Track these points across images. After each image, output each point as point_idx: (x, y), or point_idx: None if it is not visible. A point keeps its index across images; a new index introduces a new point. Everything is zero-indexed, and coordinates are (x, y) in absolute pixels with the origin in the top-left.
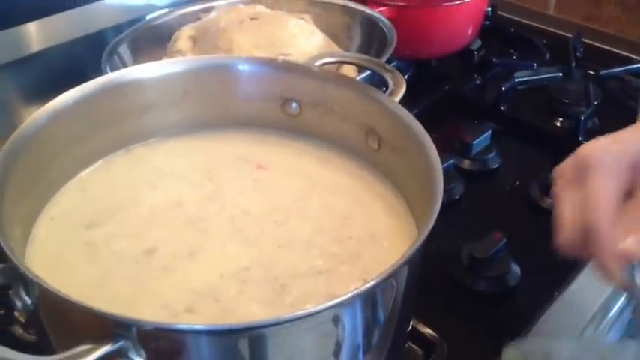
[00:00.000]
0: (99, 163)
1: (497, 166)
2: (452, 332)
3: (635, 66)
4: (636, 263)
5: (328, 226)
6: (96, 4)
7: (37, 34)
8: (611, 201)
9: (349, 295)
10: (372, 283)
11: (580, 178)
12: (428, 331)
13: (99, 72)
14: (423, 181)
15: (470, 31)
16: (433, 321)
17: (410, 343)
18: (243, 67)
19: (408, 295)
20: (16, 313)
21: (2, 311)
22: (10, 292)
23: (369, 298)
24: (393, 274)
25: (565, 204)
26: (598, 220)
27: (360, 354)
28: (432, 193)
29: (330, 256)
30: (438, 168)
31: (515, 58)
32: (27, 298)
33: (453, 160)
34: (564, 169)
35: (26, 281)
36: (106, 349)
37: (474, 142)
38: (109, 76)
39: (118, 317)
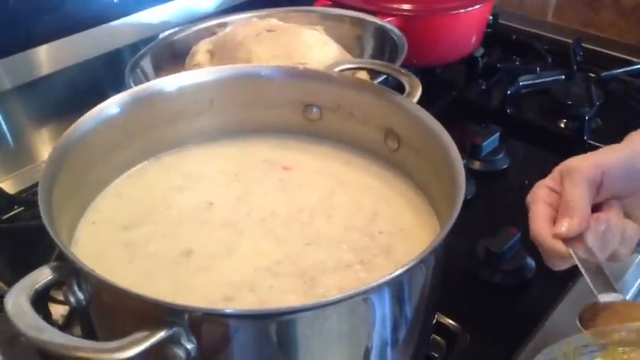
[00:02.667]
0: (133, 170)
1: (506, 166)
2: (472, 323)
3: (634, 67)
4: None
5: (357, 223)
6: (111, 23)
7: (54, 55)
8: (544, 197)
9: (379, 281)
10: (400, 270)
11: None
12: (450, 322)
13: (117, 89)
14: (443, 176)
15: (474, 39)
16: (454, 313)
17: (433, 335)
18: (266, 76)
19: (434, 286)
20: (53, 316)
21: (40, 315)
22: (65, 290)
23: (398, 286)
24: (422, 262)
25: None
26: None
27: (389, 345)
28: (453, 185)
29: (362, 249)
30: (458, 159)
31: (517, 63)
32: (80, 294)
33: (464, 162)
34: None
35: (79, 277)
36: (161, 334)
37: (484, 144)
38: (141, 87)
39: (172, 305)
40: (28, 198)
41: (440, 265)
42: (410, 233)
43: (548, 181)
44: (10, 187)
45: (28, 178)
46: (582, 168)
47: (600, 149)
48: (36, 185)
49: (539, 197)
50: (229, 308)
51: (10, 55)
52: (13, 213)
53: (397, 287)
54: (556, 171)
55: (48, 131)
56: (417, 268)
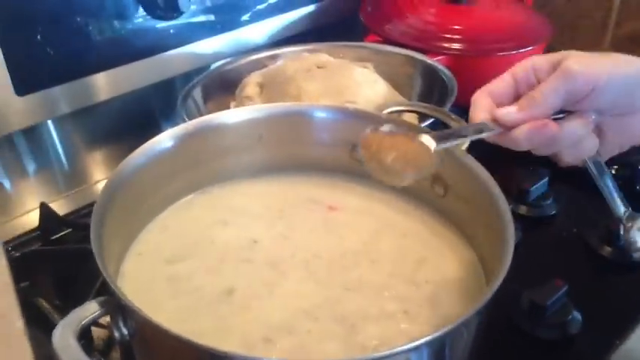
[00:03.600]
0: (179, 202)
1: (554, 212)
2: None
3: None
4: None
5: (402, 269)
6: (166, 53)
7: (111, 82)
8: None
9: (420, 341)
10: (442, 331)
11: None
12: None
13: (168, 116)
14: (489, 227)
15: None
16: None
17: None
18: (317, 115)
19: (476, 341)
20: (95, 343)
21: (82, 341)
22: (111, 323)
23: (439, 346)
24: (465, 324)
25: None
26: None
27: None
28: (501, 242)
29: (406, 299)
30: (508, 217)
31: None
32: (124, 329)
33: (510, 206)
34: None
35: (125, 312)
36: None
37: (532, 189)
38: (195, 121)
39: (214, 350)
40: (76, 220)
41: (484, 321)
42: (455, 284)
43: (543, 60)
44: (59, 207)
45: (79, 199)
46: (579, 76)
47: (616, 57)
48: (84, 207)
49: (521, 67)
50: (268, 358)
51: (70, 81)
52: (61, 234)
53: (439, 346)
54: (559, 54)
55: (100, 155)
56: (461, 326)
